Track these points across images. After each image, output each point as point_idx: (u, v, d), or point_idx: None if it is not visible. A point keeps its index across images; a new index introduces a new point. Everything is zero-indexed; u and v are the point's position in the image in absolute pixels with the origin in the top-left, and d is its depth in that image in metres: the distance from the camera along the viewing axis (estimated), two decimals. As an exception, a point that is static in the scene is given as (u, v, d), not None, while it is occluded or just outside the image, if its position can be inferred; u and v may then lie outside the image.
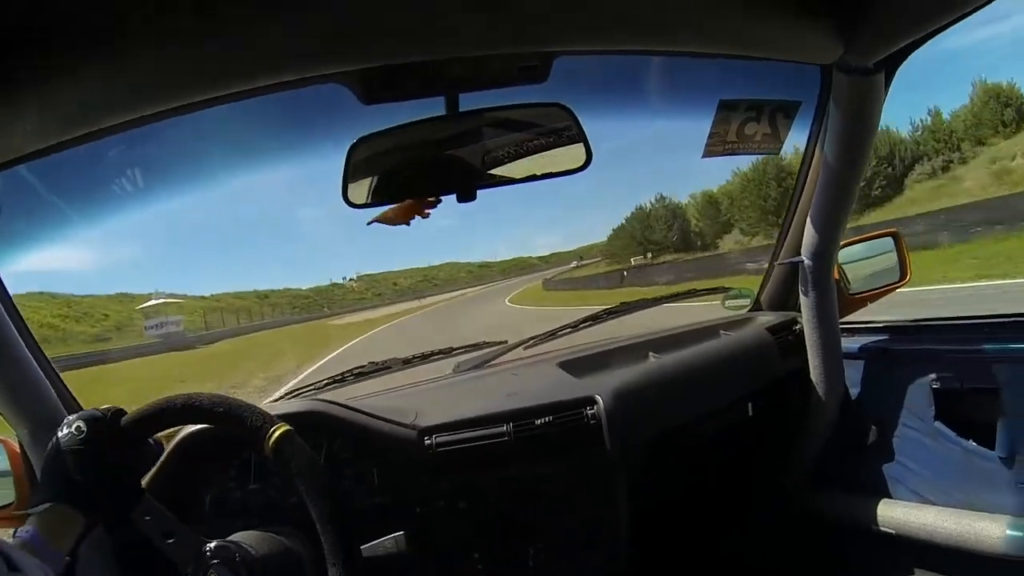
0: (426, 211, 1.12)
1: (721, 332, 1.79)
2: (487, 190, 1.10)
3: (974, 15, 1.02)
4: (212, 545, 0.92)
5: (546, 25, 0.89)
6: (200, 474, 1.23)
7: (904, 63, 1.21)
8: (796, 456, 1.81)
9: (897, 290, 1.81)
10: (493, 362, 1.72)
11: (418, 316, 28.10)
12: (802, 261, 1.59)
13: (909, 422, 1.58)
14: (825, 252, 1.55)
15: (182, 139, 1.24)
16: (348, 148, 1.07)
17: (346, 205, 1.09)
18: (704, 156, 1.45)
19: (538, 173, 1.08)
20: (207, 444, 1.21)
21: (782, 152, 1.54)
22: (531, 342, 1.79)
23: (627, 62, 1.26)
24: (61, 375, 1.28)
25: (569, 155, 1.07)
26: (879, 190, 26.72)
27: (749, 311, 1.99)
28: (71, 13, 0.72)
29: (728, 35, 1.03)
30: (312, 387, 1.62)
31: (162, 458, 1.13)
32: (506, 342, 1.79)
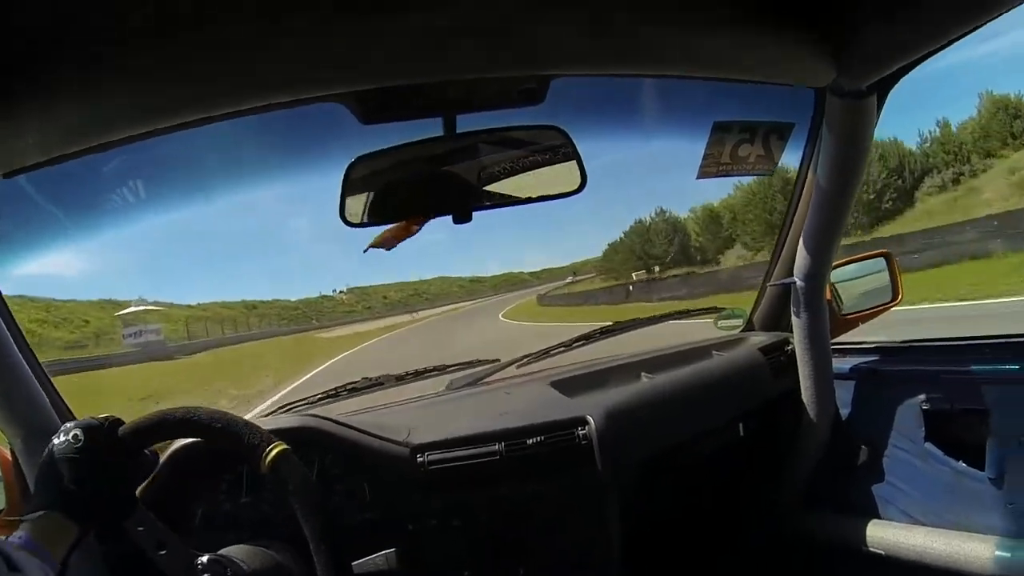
0: (414, 228, 1.12)
1: (713, 352, 1.79)
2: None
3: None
4: (204, 559, 0.92)
5: (543, 49, 0.90)
6: (193, 487, 1.23)
7: (896, 85, 1.23)
8: (788, 477, 1.81)
9: (890, 309, 1.83)
10: (486, 380, 1.72)
11: (410, 331, 27.49)
12: (794, 282, 1.60)
13: (899, 443, 1.59)
14: (817, 273, 1.57)
15: (180, 153, 1.25)
16: (346, 167, 1.07)
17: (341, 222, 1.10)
18: (699, 177, 1.47)
19: (534, 195, 1.09)
20: (200, 457, 1.20)
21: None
22: (524, 360, 1.80)
23: (623, 83, 1.28)
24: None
25: (565, 178, 1.08)
26: (890, 203, 26.36)
27: (741, 331, 2.00)
28: (74, 31, 0.73)
29: (722, 59, 1.04)
30: (305, 401, 1.62)
31: (156, 470, 1.13)
32: (499, 360, 1.79)
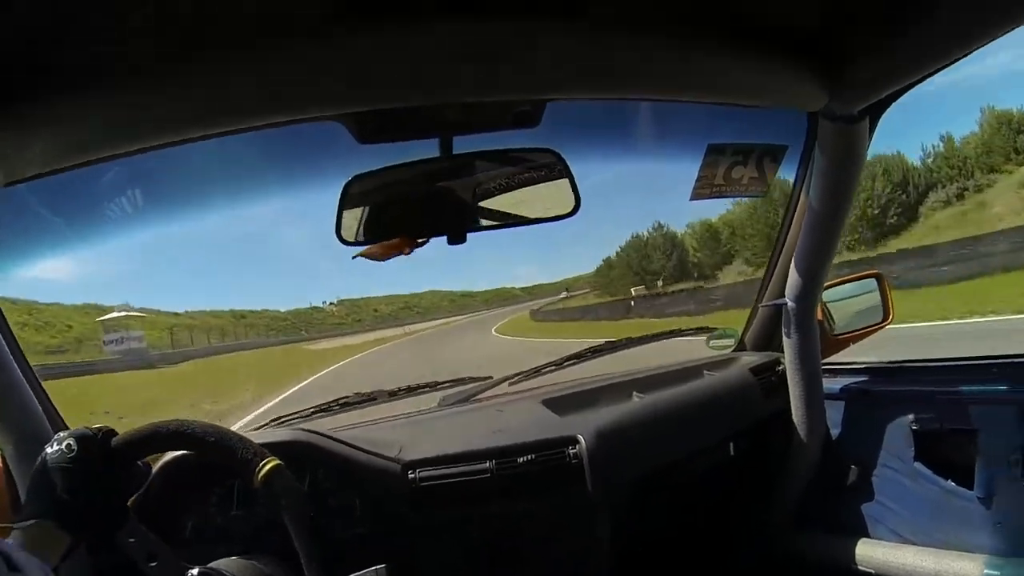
0: (407, 249, 1.13)
1: (705, 372, 1.80)
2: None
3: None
4: (195, 572, 0.92)
5: (540, 74, 0.92)
6: (184, 499, 1.23)
7: (888, 110, 1.25)
8: (778, 496, 1.82)
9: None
10: (478, 397, 1.72)
11: (398, 346, 26.85)
12: (786, 303, 1.61)
13: (889, 462, 1.60)
14: (808, 295, 1.59)
15: (178, 166, 1.25)
16: (343, 185, 1.08)
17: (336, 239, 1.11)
18: (692, 199, 1.48)
19: (528, 218, 1.10)
20: (192, 470, 1.20)
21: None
22: (516, 378, 1.80)
23: (617, 105, 1.29)
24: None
25: (559, 200, 1.09)
26: (894, 218, 26.36)
27: (733, 351, 2.01)
28: (79, 48, 0.76)
29: (716, 84, 1.06)
30: (297, 415, 1.62)
31: (148, 481, 1.13)
32: (491, 377, 1.79)
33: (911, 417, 1.54)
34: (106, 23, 0.73)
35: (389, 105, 0.92)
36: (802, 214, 1.56)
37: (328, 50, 0.80)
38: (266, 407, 10.78)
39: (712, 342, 2.04)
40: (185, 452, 1.16)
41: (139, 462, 0.99)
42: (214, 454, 0.94)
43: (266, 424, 1.59)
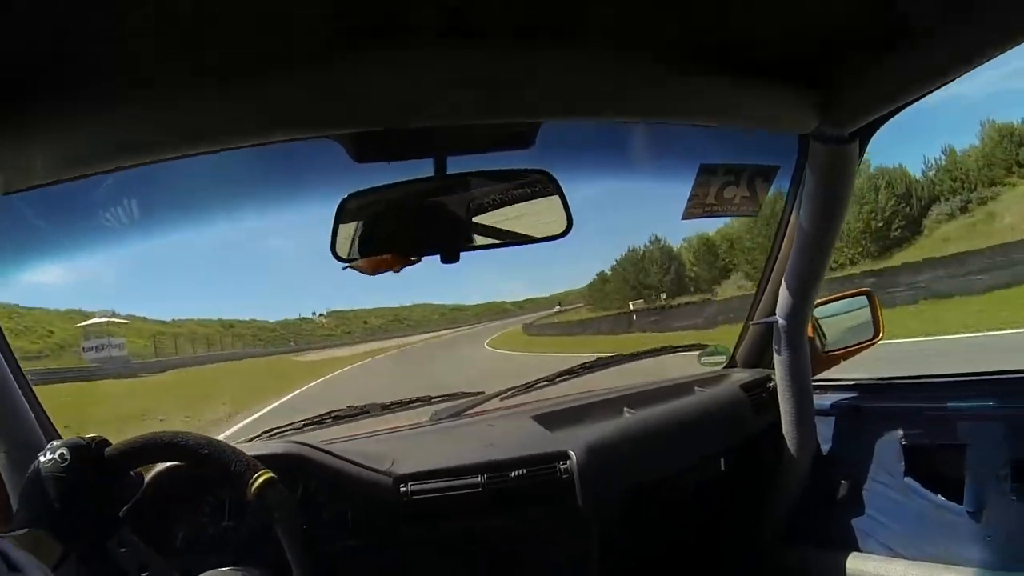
0: (396, 267, 1.14)
1: (696, 388, 1.81)
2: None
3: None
4: None
5: (535, 98, 0.94)
6: (176, 509, 1.22)
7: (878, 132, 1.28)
8: (769, 511, 1.82)
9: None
10: (470, 412, 1.73)
11: (389, 358, 25.99)
12: (776, 321, 1.63)
13: (880, 477, 1.61)
14: (799, 313, 1.60)
15: (174, 177, 1.26)
16: (339, 202, 1.09)
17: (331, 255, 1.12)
18: (684, 218, 1.50)
19: (521, 238, 1.11)
20: (183, 480, 1.20)
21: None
22: (508, 393, 1.81)
23: (610, 125, 1.31)
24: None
25: (551, 221, 1.11)
26: (898, 231, 25.90)
27: (724, 368, 2.02)
28: (82, 65, 0.78)
29: (709, 108, 1.09)
30: (290, 427, 1.62)
31: (140, 491, 1.13)
32: (483, 392, 1.80)
33: (901, 433, 1.56)
34: (108, 41, 0.75)
35: (386, 127, 0.94)
36: (793, 233, 1.58)
37: (328, 74, 0.82)
38: (242, 424, 10.22)
39: (703, 359, 2.05)
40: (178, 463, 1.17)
41: (131, 472, 0.99)
42: (208, 466, 0.95)
43: (258, 436, 1.59)
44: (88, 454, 0.90)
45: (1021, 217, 21.94)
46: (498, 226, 1.10)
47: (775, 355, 1.69)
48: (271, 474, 0.93)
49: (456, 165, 1.09)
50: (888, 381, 1.69)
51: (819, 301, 1.75)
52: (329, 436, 1.56)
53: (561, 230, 1.11)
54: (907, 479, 1.54)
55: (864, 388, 1.73)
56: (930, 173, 27.29)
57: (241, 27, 0.77)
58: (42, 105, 0.80)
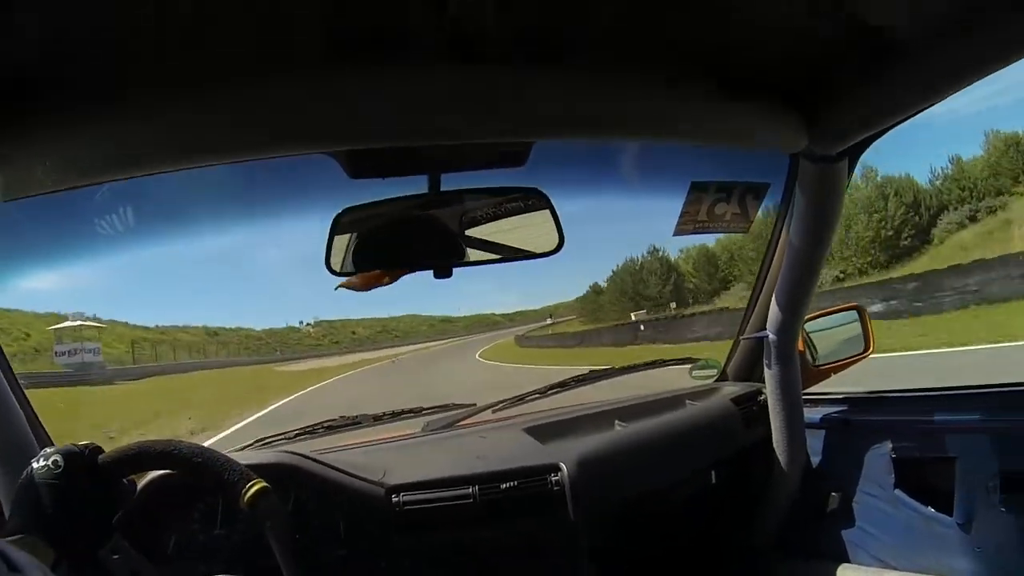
0: (385, 279, 1.15)
1: (687, 401, 1.82)
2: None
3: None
4: None
5: (529, 118, 0.95)
6: (168, 517, 1.23)
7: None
8: (759, 524, 1.83)
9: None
10: (462, 423, 1.73)
11: (376, 370, 25.06)
12: (767, 336, 1.65)
13: (870, 490, 1.62)
14: (789, 328, 1.62)
15: (167, 188, 1.27)
16: (334, 216, 1.11)
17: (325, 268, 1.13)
18: (675, 234, 1.52)
19: (513, 255, 1.13)
20: (176, 488, 1.21)
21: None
22: (499, 406, 1.81)
23: (602, 144, 1.33)
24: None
25: (543, 238, 1.13)
26: (908, 240, 25.70)
27: (715, 381, 2.03)
28: (79, 77, 0.80)
29: (700, 127, 1.10)
30: (283, 436, 1.62)
31: (132, 498, 1.13)
32: (475, 404, 1.81)
33: (890, 445, 1.57)
34: (106, 54, 0.77)
35: (381, 145, 0.95)
36: (783, 249, 1.60)
37: (324, 91, 0.84)
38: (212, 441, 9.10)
39: (695, 372, 2.06)
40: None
41: (124, 480, 1.00)
42: (201, 475, 0.95)
43: (251, 444, 1.59)
44: (81, 461, 0.90)
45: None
46: (490, 243, 1.11)
47: (766, 369, 1.70)
48: (264, 484, 0.94)
49: (450, 182, 1.11)
50: (878, 395, 1.71)
51: (809, 316, 1.77)
52: (321, 446, 1.56)
53: (552, 247, 1.13)
54: (897, 491, 1.55)
55: (854, 402, 1.74)
56: (937, 182, 27.16)
57: (241, 40, 0.79)
58: (42, 117, 0.82)
